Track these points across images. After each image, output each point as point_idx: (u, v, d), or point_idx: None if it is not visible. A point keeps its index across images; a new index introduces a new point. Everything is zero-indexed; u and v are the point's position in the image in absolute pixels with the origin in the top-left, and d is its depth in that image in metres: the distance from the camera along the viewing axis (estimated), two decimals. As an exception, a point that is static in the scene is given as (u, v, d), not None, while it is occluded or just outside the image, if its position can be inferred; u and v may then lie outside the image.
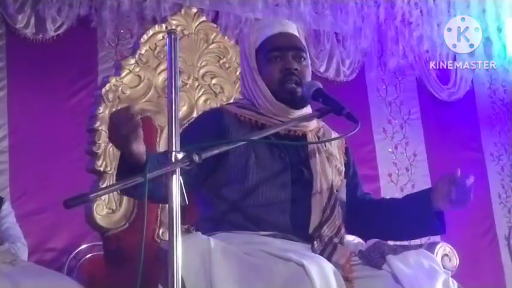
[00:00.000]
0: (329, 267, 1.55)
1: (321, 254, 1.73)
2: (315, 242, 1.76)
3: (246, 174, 1.82)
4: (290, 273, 1.50)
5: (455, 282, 1.72)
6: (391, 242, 1.89)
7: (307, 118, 1.91)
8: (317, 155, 1.90)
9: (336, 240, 1.79)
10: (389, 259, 1.67)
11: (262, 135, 1.71)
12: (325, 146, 1.95)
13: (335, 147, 1.99)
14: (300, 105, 1.89)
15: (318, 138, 1.96)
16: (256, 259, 1.59)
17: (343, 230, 1.85)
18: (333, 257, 1.72)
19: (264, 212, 1.80)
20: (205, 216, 1.89)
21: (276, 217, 1.80)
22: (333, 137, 2.00)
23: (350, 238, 1.90)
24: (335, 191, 1.88)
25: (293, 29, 1.97)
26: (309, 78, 1.92)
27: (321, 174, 1.87)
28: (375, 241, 1.81)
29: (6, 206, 3.50)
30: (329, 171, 1.89)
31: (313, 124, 1.96)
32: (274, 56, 1.89)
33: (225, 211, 1.83)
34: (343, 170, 1.98)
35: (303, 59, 1.91)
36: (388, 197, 2.14)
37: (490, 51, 6.05)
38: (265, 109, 1.89)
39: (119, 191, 1.77)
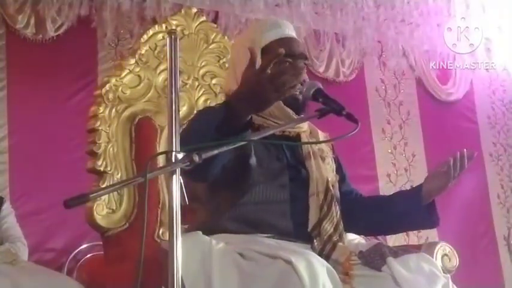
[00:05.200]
0: (319, 263, 1.55)
1: (321, 252, 1.74)
2: (315, 241, 1.78)
3: (246, 177, 1.82)
4: (279, 272, 1.51)
5: (455, 286, 1.73)
6: (390, 242, 1.90)
7: (307, 119, 1.94)
8: (311, 154, 1.93)
9: (335, 238, 1.80)
10: (390, 262, 1.69)
11: (262, 135, 1.71)
12: (317, 145, 1.97)
13: (324, 144, 2.02)
14: (302, 111, 1.91)
15: (308, 138, 1.99)
16: (252, 263, 1.59)
17: (341, 226, 1.86)
18: (332, 255, 1.73)
19: (264, 215, 1.81)
20: (203, 226, 1.84)
21: (277, 220, 1.81)
22: (319, 134, 2.04)
23: (351, 237, 1.91)
24: (331, 188, 1.89)
25: (293, 31, 1.98)
26: None
27: (316, 173, 1.89)
28: (376, 242, 1.82)
29: (7, 206, 3.51)
30: (324, 169, 1.92)
31: (305, 125, 1.99)
32: (287, 61, 1.87)
33: (222, 218, 1.82)
34: (335, 167, 2.01)
35: (305, 67, 1.94)
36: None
37: (490, 51, 6.06)
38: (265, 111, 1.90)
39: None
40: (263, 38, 1.90)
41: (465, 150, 1.87)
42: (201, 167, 1.40)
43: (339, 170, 2.06)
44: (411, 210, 1.92)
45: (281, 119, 1.89)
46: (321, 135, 2.05)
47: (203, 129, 1.58)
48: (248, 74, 1.56)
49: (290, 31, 1.96)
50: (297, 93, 1.88)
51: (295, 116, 1.89)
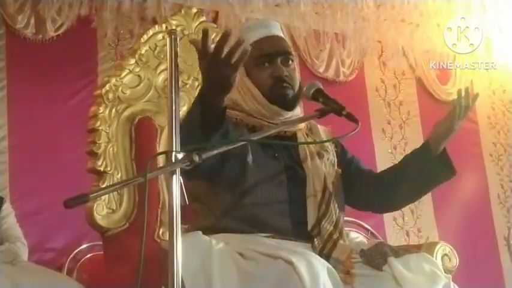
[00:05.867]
0: (319, 263, 1.55)
1: (322, 250, 1.74)
2: (315, 240, 1.78)
3: (244, 176, 1.82)
4: (280, 272, 1.51)
5: (456, 286, 1.72)
6: (391, 241, 1.90)
7: (307, 119, 1.94)
8: (308, 153, 1.93)
9: (335, 236, 1.80)
10: (391, 261, 1.69)
11: (260, 136, 1.71)
12: (316, 139, 1.98)
13: (324, 138, 2.02)
14: (291, 107, 1.91)
15: (307, 135, 1.99)
16: (252, 263, 1.59)
17: (341, 224, 1.87)
18: (333, 254, 1.73)
19: (263, 215, 1.81)
20: (204, 226, 1.85)
21: (276, 220, 1.81)
22: (319, 130, 2.04)
23: (353, 236, 1.92)
24: (329, 186, 1.89)
25: (277, 29, 1.98)
26: (297, 79, 1.95)
27: (313, 173, 1.89)
28: (377, 242, 1.83)
29: (7, 206, 3.51)
30: (321, 167, 1.92)
31: (302, 124, 1.99)
32: (263, 62, 1.91)
33: (223, 218, 1.82)
34: (336, 161, 2.00)
35: (290, 61, 1.94)
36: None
37: (490, 51, 6.05)
38: (255, 112, 1.91)
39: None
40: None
41: (468, 87, 1.89)
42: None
43: (344, 156, 2.05)
44: (424, 164, 1.91)
45: (272, 118, 1.90)
46: (322, 131, 2.05)
47: (189, 131, 1.59)
48: (199, 66, 1.59)
49: (274, 30, 1.97)
50: (284, 91, 1.89)
51: (283, 113, 1.90)
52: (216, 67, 1.53)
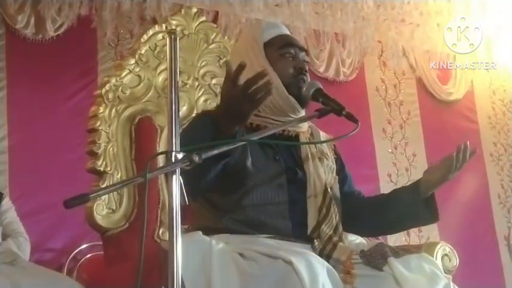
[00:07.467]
0: (319, 263, 1.55)
1: (322, 251, 1.74)
2: (315, 241, 1.78)
3: (243, 180, 1.82)
4: (279, 273, 1.51)
5: (456, 286, 1.72)
6: (391, 241, 1.90)
7: (307, 119, 1.94)
8: (309, 156, 1.93)
9: (335, 238, 1.80)
10: (391, 261, 1.69)
11: (260, 136, 1.71)
12: (317, 145, 1.98)
13: (325, 145, 2.02)
14: (304, 103, 1.92)
15: (308, 139, 1.99)
16: (252, 263, 1.59)
17: (341, 228, 1.87)
18: (333, 255, 1.73)
19: (263, 216, 1.80)
20: (204, 226, 1.85)
21: (276, 221, 1.81)
22: (320, 135, 2.04)
23: (352, 238, 1.91)
24: (329, 190, 1.89)
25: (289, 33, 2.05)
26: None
27: (314, 175, 1.89)
28: (377, 242, 1.82)
29: (6, 201, 3.51)
30: (322, 171, 1.92)
31: (305, 126, 1.99)
32: (288, 52, 1.93)
33: (223, 219, 1.82)
34: (335, 168, 2.00)
35: (307, 63, 1.98)
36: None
37: (490, 51, 6.06)
38: (269, 106, 1.90)
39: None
40: (264, 35, 1.97)
41: (468, 142, 1.91)
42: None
43: (341, 170, 2.06)
44: (410, 205, 1.93)
45: (283, 111, 1.89)
46: (323, 136, 2.05)
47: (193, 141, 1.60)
48: (223, 89, 1.62)
49: (287, 31, 2.04)
50: (302, 84, 1.91)
51: (298, 107, 1.90)
52: (240, 102, 1.56)
